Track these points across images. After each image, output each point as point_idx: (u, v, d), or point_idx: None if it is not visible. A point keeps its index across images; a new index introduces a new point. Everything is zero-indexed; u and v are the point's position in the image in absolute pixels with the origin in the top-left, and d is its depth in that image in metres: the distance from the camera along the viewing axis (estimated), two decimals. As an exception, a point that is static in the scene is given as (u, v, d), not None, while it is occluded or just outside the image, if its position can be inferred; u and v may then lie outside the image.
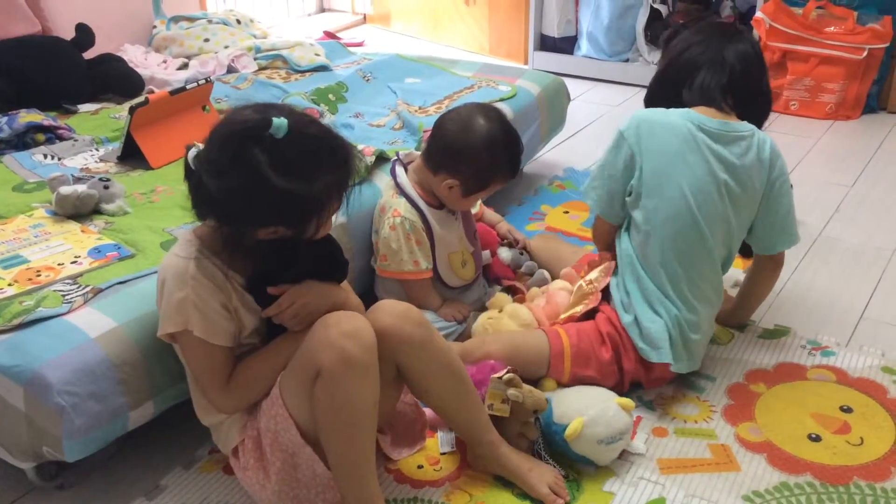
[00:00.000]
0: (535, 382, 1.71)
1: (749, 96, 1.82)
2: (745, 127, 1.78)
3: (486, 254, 2.10)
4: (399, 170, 1.94)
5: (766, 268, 1.94)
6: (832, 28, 3.39)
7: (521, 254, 2.14)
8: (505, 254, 2.13)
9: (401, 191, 1.91)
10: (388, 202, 1.91)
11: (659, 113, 1.78)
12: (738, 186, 1.75)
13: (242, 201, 1.32)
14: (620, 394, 1.66)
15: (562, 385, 1.74)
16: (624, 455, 1.62)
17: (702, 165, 1.72)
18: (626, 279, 1.78)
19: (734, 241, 1.81)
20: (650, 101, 1.91)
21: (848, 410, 1.74)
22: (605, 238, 1.89)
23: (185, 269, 1.37)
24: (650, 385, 1.79)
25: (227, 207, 1.33)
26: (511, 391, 1.55)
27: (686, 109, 1.78)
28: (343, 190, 1.41)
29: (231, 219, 1.35)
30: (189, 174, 1.36)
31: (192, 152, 1.35)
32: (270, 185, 1.29)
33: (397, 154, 2.01)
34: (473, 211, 2.16)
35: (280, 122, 1.30)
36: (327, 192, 1.37)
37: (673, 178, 1.72)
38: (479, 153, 1.83)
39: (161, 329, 1.40)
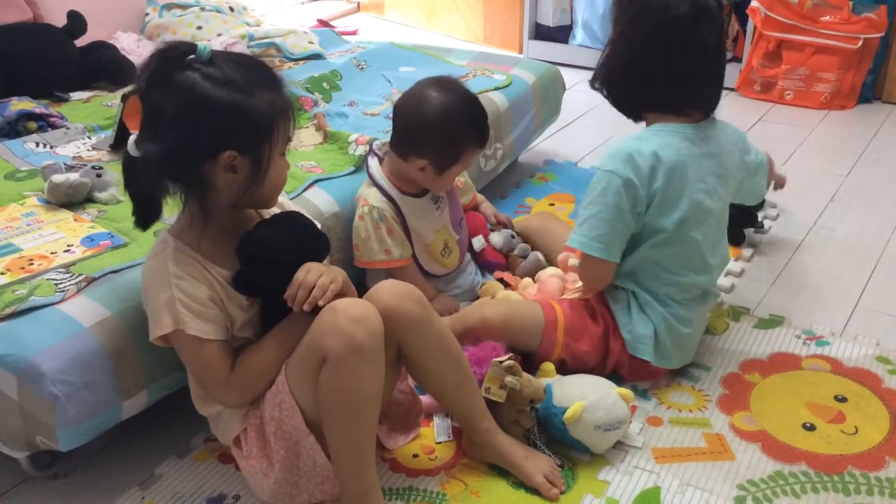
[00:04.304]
0: (534, 369, 1.72)
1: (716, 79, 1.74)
2: (709, 123, 1.74)
3: (479, 239, 2.09)
4: (372, 160, 1.92)
5: None
6: (827, 17, 3.39)
7: (513, 237, 2.14)
8: (496, 238, 2.12)
9: (372, 181, 1.89)
10: (361, 192, 1.91)
11: (647, 141, 1.68)
12: (721, 182, 1.73)
13: (187, 129, 1.31)
14: (606, 375, 1.69)
15: (557, 361, 1.74)
16: (619, 444, 1.62)
17: (696, 183, 1.68)
18: (617, 283, 1.78)
19: (725, 232, 1.82)
20: (621, 100, 1.78)
21: (842, 400, 1.74)
22: (610, 279, 1.76)
23: (164, 269, 1.37)
24: (633, 378, 1.78)
25: (174, 148, 1.31)
26: (509, 378, 1.55)
27: (670, 127, 1.69)
28: (287, 115, 1.38)
29: (181, 160, 1.32)
30: (129, 165, 1.35)
31: (132, 138, 1.34)
32: (210, 99, 1.31)
33: (371, 145, 1.99)
34: (467, 199, 2.15)
35: (204, 46, 1.33)
36: (270, 110, 1.35)
37: (676, 207, 1.68)
38: (439, 126, 1.78)
39: (152, 333, 1.39)
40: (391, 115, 2.37)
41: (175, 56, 1.33)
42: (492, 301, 1.87)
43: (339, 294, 1.41)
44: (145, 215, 1.42)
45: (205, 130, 1.32)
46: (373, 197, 1.86)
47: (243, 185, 1.38)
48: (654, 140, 1.68)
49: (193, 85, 1.31)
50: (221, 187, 1.37)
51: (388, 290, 1.47)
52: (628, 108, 1.79)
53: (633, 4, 1.72)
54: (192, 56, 1.33)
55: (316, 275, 1.38)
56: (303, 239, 1.45)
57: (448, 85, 1.83)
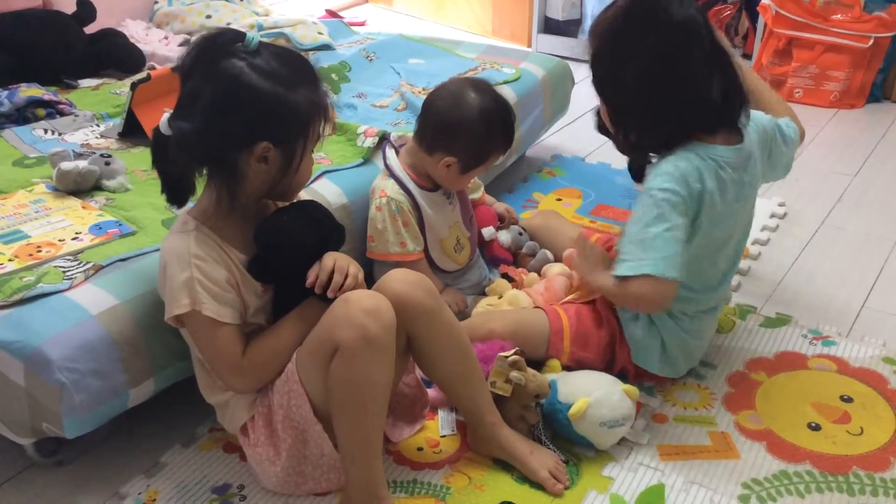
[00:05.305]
0: (540, 365, 1.71)
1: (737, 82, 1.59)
2: (747, 141, 1.62)
3: (489, 229, 2.09)
4: (389, 152, 1.92)
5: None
6: (839, 16, 3.36)
7: (521, 234, 2.14)
8: (504, 236, 2.12)
9: (390, 172, 1.89)
10: (378, 184, 1.91)
11: (693, 162, 1.55)
12: (749, 196, 1.69)
13: (227, 114, 1.32)
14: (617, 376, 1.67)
15: (563, 365, 1.73)
16: (623, 441, 1.62)
17: (729, 206, 1.61)
18: None
19: (745, 240, 1.78)
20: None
21: (848, 400, 1.74)
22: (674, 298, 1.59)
23: (185, 249, 1.37)
24: (638, 380, 1.77)
25: (211, 131, 1.32)
26: (514, 373, 1.55)
27: (711, 150, 1.56)
28: (323, 114, 1.41)
29: (217, 144, 1.33)
30: (160, 142, 1.36)
31: (165, 117, 1.36)
32: (254, 88, 1.32)
33: (388, 136, 1.99)
34: (476, 196, 2.15)
35: (252, 35, 1.34)
36: (309, 107, 1.37)
37: (701, 233, 1.59)
38: (474, 126, 1.79)
39: (168, 312, 1.39)
40: (398, 108, 2.40)
41: (223, 42, 1.35)
42: (497, 312, 1.83)
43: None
44: (176, 193, 1.43)
45: (245, 118, 1.34)
46: (391, 188, 1.86)
47: (273, 178, 1.39)
48: (700, 164, 1.55)
49: (239, 73, 1.32)
50: (251, 177, 1.38)
51: (399, 278, 1.47)
52: (661, 144, 1.60)
53: (637, 25, 1.55)
54: (240, 44, 1.35)
55: (345, 261, 1.40)
56: (321, 228, 1.45)
57: (485, 88, 1.85)
